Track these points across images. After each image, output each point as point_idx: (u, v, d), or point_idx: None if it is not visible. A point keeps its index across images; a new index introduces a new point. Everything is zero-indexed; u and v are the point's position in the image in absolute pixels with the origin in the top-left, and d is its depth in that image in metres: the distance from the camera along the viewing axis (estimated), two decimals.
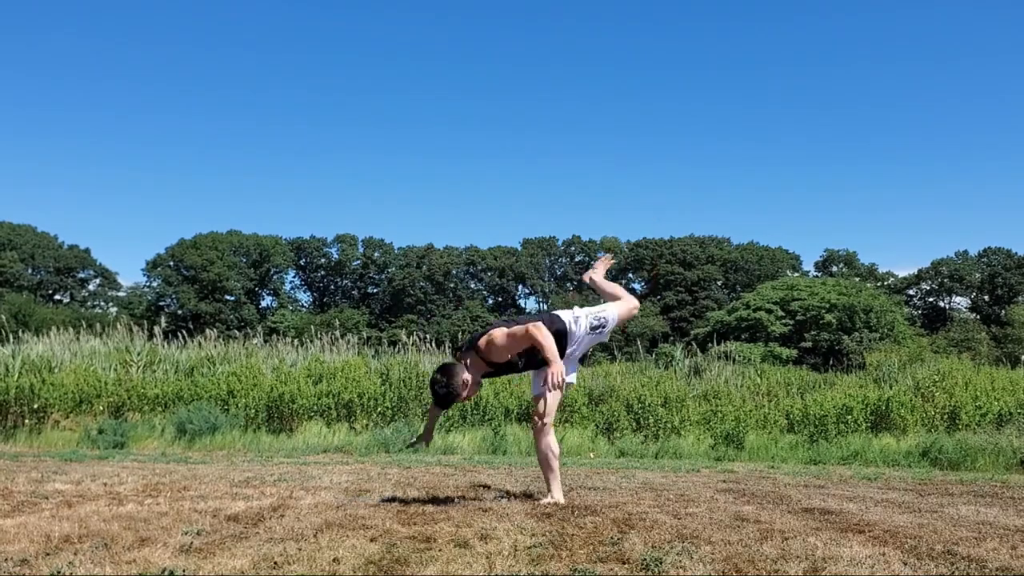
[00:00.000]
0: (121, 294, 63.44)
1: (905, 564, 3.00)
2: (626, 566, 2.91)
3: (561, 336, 4.43)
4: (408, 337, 13.62)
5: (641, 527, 3.69)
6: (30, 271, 58.46)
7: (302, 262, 66.87)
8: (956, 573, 2.89)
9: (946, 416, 10.13)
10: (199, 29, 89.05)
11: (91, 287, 63.90)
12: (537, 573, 2.81)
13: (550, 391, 4.21)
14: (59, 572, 2.77)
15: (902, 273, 64.51)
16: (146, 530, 3.50)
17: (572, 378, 4.68)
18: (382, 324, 57.60)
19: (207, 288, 58.23)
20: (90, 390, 10.47)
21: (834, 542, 3.36)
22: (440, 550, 3.13)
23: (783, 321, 41.70)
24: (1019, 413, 9.77)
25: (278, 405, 10.16)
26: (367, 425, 10.12)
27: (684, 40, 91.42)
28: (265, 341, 15.56)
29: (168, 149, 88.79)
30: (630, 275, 66.02)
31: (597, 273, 5.31)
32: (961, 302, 62.70)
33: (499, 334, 4.32)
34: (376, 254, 65.63)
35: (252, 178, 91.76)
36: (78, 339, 14.24)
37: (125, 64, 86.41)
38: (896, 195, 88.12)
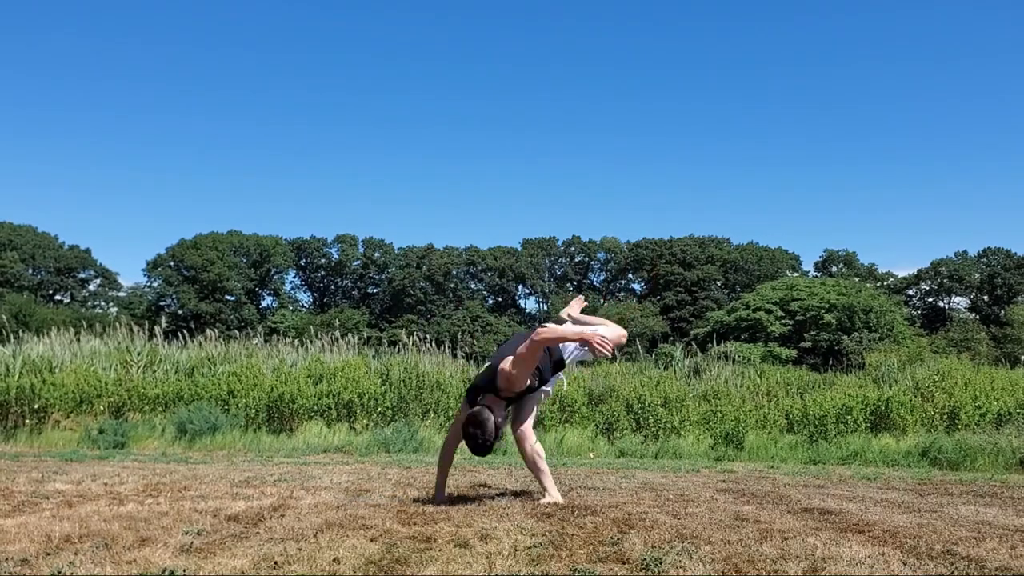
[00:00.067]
0: (121, 294, 63.47)
1: (905, 564, 3.01)
2: (626, 566, 2.92)
3: (550, 349, 4.52)
4: (408, 337, 13.61)
5: (641, 527, 3.69)
6: (31, 271, 58.47)
7: (302, 262, 66.88)
8: (955, 573, 2.90)
9: (945, 416, 10.13)
10: (199, 29, 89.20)
11: (91, 287, 63.93)
12: (537, 573, 2.81)
13: (602, 355, 4.28)
14: (60, 572, 2.77)
15: (902, 273, 64.64)
16: (146, 530, 3.50)
17: (549, 387, 4.75)
18: (382, 324, 57.61)
19: (207, 288, 58.25)
20: (91, 390, 10.48)
21: (833, 542, 3.36)
22: (440, 550, 3.14)
23: (783, 321, 41.72)
24: (1018, 413, 9.77)
25: (278, 405, 10.16)
26: (367, 425, 10.12)
27: (684, 40, 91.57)
28: (265, 341, 15.56)
29: (168, 149, 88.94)
30: (630, 275, 66.06)
31: (573, 310, 5.39)
32: (960, 302, 62.76)
33: (509, 365, 4.30)
34: (376, 254, 65.64)
35: (252, 178, 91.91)
36: (78, 339, 14.23)
37: (125, 64, 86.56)
38: (896, 195, 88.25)
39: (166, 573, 2.75)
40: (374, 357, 13.76)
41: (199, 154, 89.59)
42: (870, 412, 10.02)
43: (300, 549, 3.12)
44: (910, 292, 63.59)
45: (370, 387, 10.57)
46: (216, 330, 16.04)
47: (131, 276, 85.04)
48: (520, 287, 66.73)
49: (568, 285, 66.03)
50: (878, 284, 59.64)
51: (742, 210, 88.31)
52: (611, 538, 3.39)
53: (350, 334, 15.69)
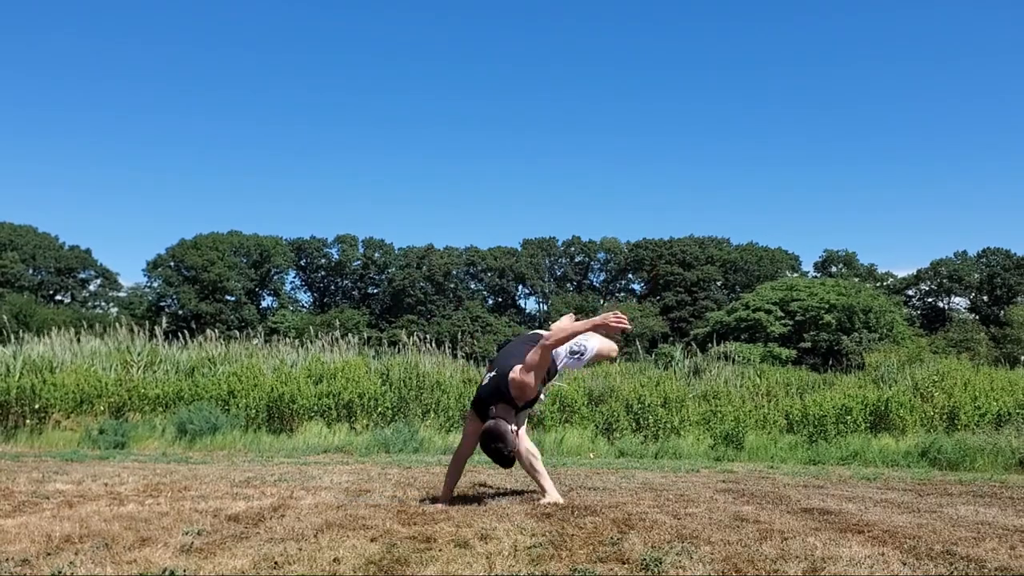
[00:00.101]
0: (122, 294, 63.48)
1: (904, 564, 3.01)
2: (626, 566, 2.92)
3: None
4: (408, 337, 13.62)
5: (641, 527, 3.69)
6: (31, 271, 58.48)
7: (302, 262, 66.87)
8: (955, 573, 2.90)
9: (945, 416, 10.13)
10: (199, 29, 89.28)
11: (92, 287, 63.94)
12: (537, 573, 2.81)
13: (620, 332, 4.34)
14: (60, 572, 2.78)
15: (901, 273, 64.65)
16: (147, 530, 3.51)
17: (543, 396, 4.76)
18: (382, 324, 57.61)
19: (208, 288, 58.25)
20: (91, 390, 10.48)
21: (833, 542, 3.37)
22: (440, 550, 3.14)
23: (782, 321, 41.75)
24: (1018, 413, 9.77)
25: (278, 405, 10.16)
26: (367, 425, 10.12)
27: (684, 40, 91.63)
28: (266, 341, 15.56)
29: (168, 149, 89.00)
30: (630, 275, 66.06)
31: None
32: (960, 302, 62.77)
33: (520, 373, 4.30)
34: (376, 254, 65.62)
35: (252, 178, 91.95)
36: (79, 339, 14.23)
37: (125, 64, 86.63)
38: (895, 195, 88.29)
39: (166, 573, 2.76)
40: (374, 357, 13.75)
41: (199, 154, 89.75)
42: (870, 412, 10.02)
43: (300, 549, 3.12)
44: (910, 292, 63.60)
45: (370, 387, 10.58)
46: (216, 330, 16.03)
47: (131, 276, 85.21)
48: (520, 287, 66.74)
49: (568, 285, 66.05)
50: (878, 284, 59.64)
51: (742, 210, 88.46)
52: (611, 538, 3.39)
53: (350, 334, 15.69)
